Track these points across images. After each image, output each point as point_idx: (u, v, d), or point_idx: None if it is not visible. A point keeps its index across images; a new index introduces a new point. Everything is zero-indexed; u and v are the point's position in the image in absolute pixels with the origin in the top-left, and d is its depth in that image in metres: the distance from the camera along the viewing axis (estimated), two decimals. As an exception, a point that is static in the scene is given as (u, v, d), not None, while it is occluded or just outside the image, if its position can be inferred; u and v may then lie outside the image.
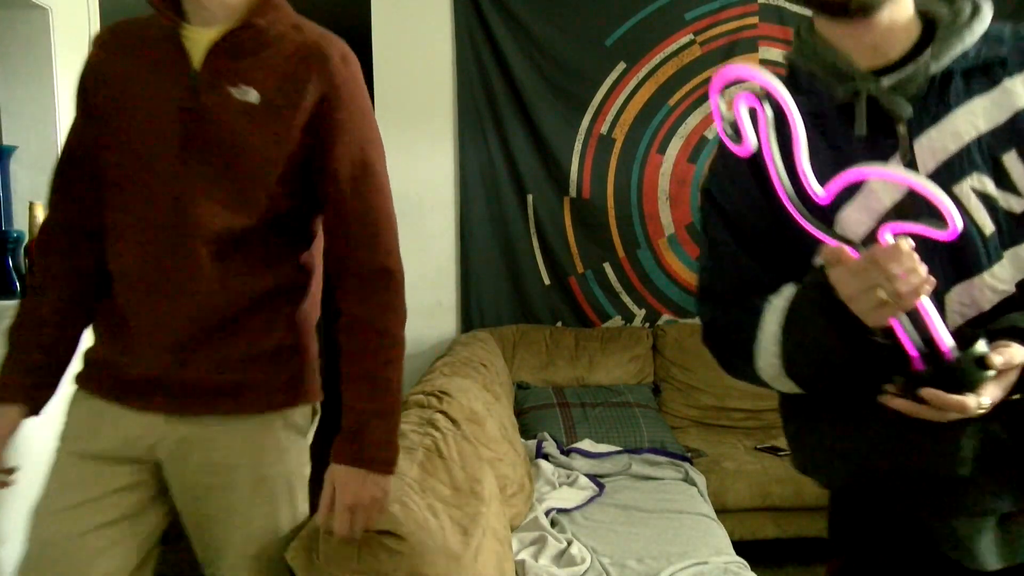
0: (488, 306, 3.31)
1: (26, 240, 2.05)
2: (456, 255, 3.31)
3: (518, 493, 2.10)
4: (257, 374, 1.14)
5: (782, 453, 2.72)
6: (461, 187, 3.28)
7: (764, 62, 3.20)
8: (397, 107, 3.24)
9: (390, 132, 3.26)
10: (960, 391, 0.75)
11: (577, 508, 2.26)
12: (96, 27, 2.38)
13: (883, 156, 0.86)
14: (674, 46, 3.25)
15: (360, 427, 1.11)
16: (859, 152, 0.87)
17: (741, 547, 2.08)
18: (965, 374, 0.75)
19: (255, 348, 1.13)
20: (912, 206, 0.83)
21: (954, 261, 0.85)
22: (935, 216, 0.74)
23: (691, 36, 3.24)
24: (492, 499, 1.65)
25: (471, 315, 3.30)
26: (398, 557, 1.11)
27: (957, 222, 0.72)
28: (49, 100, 2.19)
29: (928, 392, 0.76)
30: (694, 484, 2.48)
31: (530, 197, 3.28)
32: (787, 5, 3.22)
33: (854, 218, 0.88)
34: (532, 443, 2.62)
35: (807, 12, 0.89)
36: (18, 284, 2.01)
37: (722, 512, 2.37)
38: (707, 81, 3.14)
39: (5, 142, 2.21)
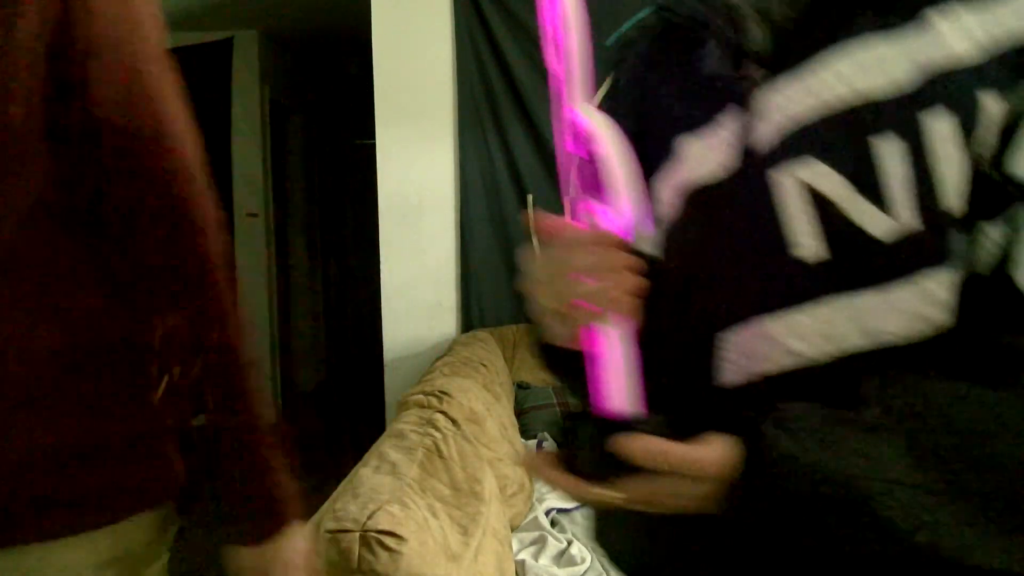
0: (488, 306, 3.31)
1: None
2: (456, 255, 3.31)
3: (518, 493, 2.10)
4: (76, 479, 0.73)
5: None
6: (461, 187, 3.28)
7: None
8: (397, 107, 3.24)
9: (390, 132, 3.26)
10: (591, 470, 0.50)
11: (577, 508, 2.25)
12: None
13: (727, 105, 0.59)
14: (674, 46, 3.25)
15: (256, 474, 0.79)
16: (706, 94, 0.60)
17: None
18: (592, 452, 0.50)
19: (70, 441, 0.72)
20: (739, 185, 0.57)
21: (744, 287, 0.56)
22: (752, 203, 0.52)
23: (691, 36, 3.24)
24: (492, 499, 1.65)
25: (471, 315, 3.30)
26: (398, 557, 1.11)
27: (622, 214, 0.50)
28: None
29: (532, 456, 0.53)
30: (694, 484, 2.48)
31: (530, 197, 3.28)
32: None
33: (660, 194, 0.62)
34: (532, 443, 2.62)
35: None
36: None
37: (722, 512, 2.37)
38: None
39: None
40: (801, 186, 0.54)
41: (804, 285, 0.53)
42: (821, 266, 0.53)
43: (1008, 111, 0.50)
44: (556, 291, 0.52)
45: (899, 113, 0.51)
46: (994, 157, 0.50)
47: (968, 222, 0.50)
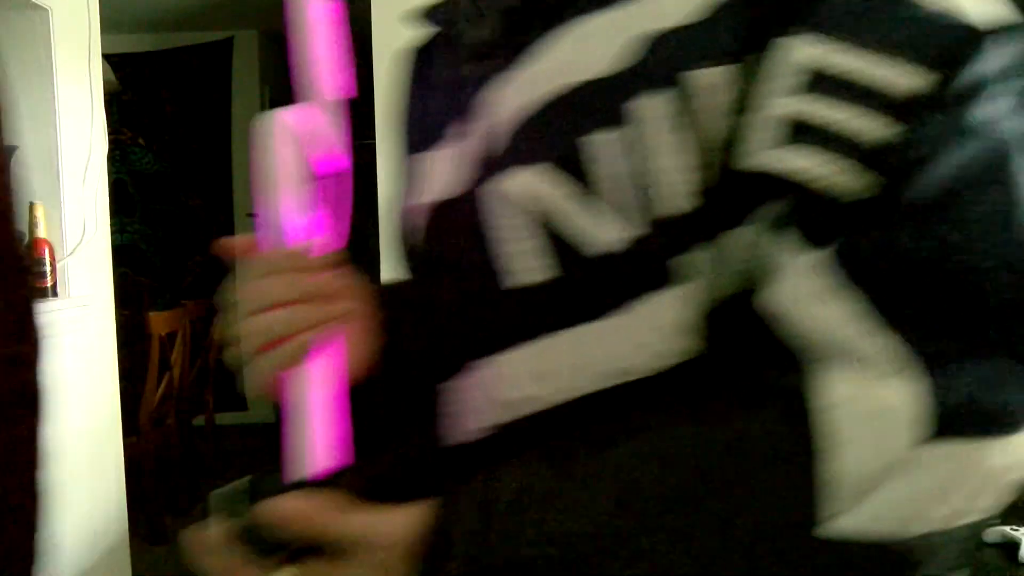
0: (488, 306, 3.30)
1: (26, 240, 2.05)
2: (456, 255, 3.30)
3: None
4: None
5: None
6: (461, 187, 3.28)
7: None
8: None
9: (390, 132, 3.26)
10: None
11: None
12: (96, 27, 2.37)
13: (461, 112, 0.49)
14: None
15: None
16: (442, 103, 0.52)
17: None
18: (261, 523, 0.39)
19: None
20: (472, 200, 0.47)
21: (461, 327, 0.47)
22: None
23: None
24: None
25: (471, 315, 3.29)
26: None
27: (289, 224, 0.42)
28: (49, 100, 2.18)
29: (194, 536, 0.41)
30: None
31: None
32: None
33: (408, 211, 0.54)
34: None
35: None
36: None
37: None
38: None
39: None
40: (518, 198, 0.44)
41: (523, 320, 0.44)
42: (540, 296, 0.43)
43: (737, 84, 0.38)
44: (251, 328, 0.43)
45: (612, 97, 0.41)
46: (726, 144, 0.39)
47: (711, 228, 0.40)
